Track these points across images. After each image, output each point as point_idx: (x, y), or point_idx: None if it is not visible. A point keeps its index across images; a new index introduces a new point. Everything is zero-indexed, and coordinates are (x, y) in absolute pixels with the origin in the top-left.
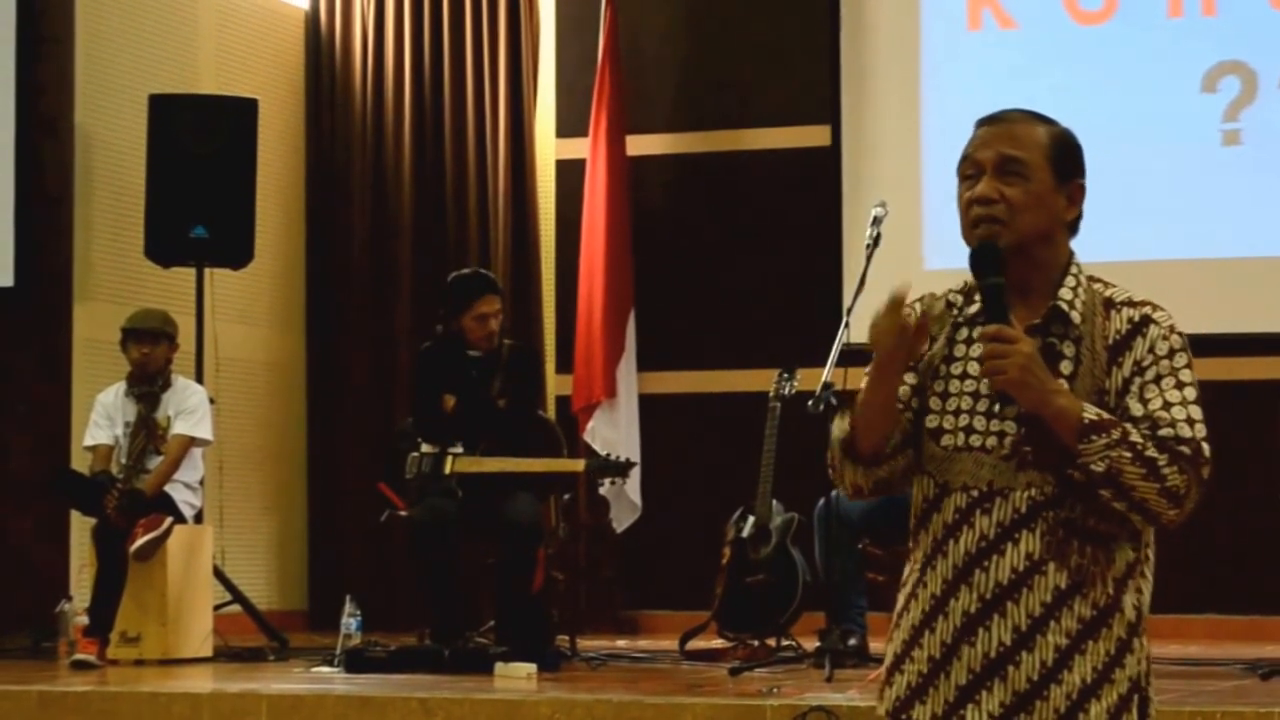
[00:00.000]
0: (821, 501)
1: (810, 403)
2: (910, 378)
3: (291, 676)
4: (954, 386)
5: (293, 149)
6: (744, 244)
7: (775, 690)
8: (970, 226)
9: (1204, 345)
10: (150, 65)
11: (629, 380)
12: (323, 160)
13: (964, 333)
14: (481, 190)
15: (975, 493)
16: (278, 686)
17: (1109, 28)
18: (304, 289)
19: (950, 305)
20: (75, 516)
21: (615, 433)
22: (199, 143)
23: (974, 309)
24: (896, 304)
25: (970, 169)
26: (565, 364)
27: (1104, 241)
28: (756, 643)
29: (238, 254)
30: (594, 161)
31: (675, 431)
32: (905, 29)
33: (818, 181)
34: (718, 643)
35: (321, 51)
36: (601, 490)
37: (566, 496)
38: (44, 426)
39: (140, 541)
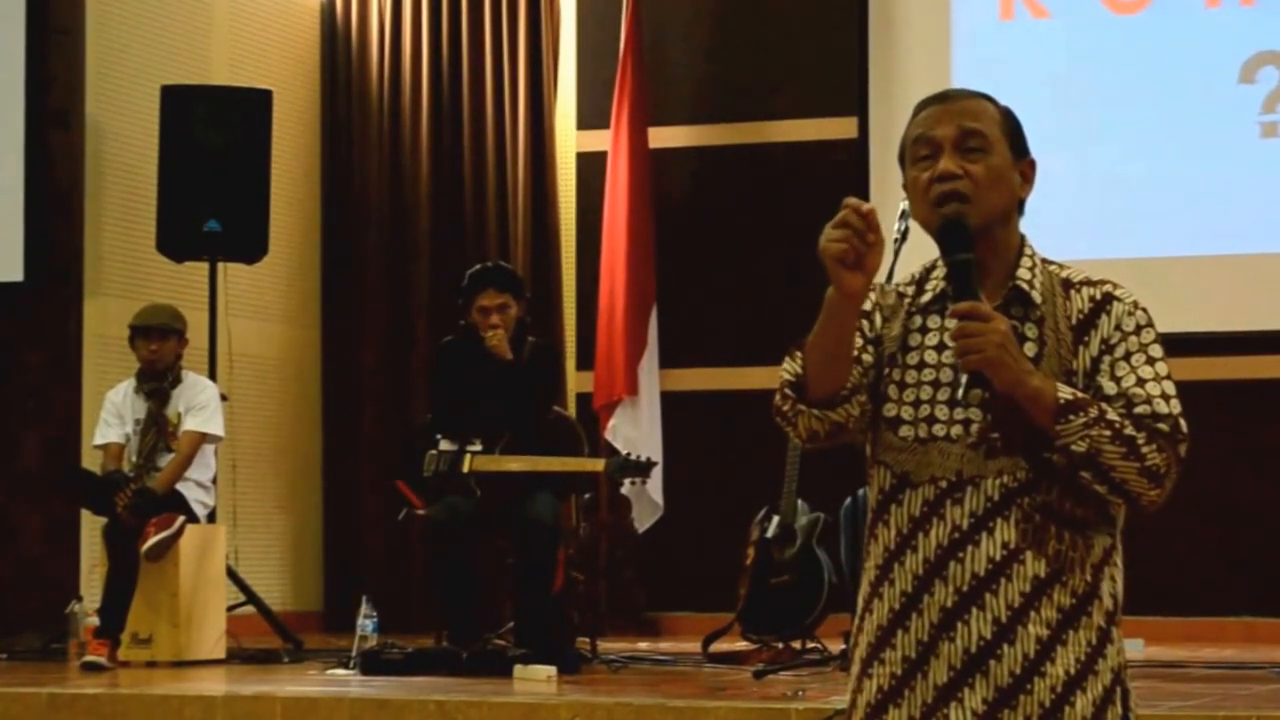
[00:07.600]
0: (848, 501)
1: None
2: (868, 355)
3: (306, 679)
4: (911, 376)
5: (308, 141)
6: (769, 238)
7: (800, 693)
8: (933, 206)
9: (1243, 343)
10: (162, 56)
11: (651, 377)
12: (338, 153)
13: (917, 321)
14: (500, 183)
15: (944, 483)
16: (292, 689)
17: (1145, 17)
18: (319, 284)
19: (901, 296)
20: (86, 516)
21: (637, 431)
22: (212, 135)
23: (926, 298)
24: (853, 209)
25: (926, 149)
26: (586, 361)
27: (1140, 236)
28: (781, 645)
29: (251, 248)
30: (615, 154)
31: (698, 430)
32: (936, 18)
33: (844, 175)
34: (741, 645)
35: (337, 42)
36: (623, 490)
37: (587, 496)
38: (54, 424)
39: (152, 541)
